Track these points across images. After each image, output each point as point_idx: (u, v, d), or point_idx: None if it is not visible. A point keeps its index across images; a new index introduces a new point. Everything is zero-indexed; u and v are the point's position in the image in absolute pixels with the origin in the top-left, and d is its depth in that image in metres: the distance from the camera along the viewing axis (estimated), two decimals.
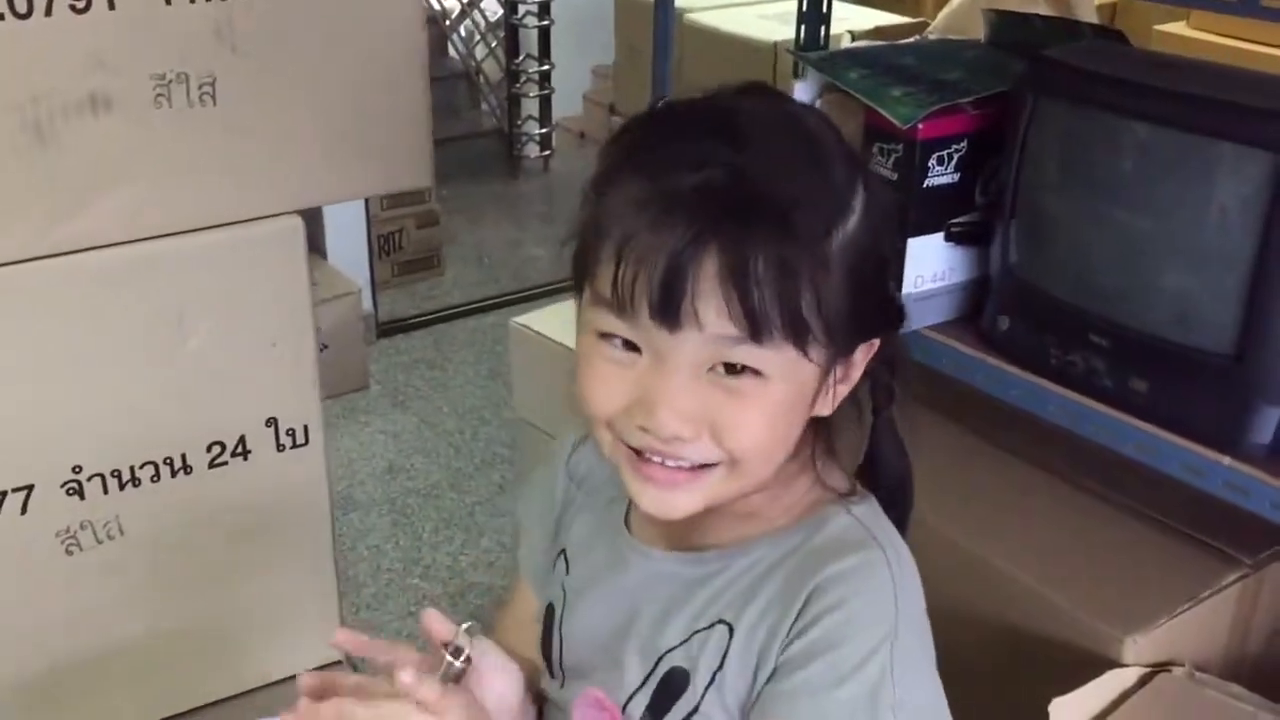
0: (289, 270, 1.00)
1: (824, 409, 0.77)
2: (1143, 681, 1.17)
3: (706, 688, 0.78)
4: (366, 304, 3.11)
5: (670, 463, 0.74)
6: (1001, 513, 1.33)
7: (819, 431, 0.80)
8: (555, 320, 2.09)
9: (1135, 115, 1.15)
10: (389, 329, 3.27)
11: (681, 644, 0.79)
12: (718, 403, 0.72)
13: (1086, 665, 1.17)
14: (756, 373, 0.71)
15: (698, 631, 0.79)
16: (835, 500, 0.80)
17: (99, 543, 1.06)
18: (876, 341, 0.78)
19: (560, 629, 0.88)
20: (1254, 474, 1.13)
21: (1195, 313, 1.15)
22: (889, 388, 0.81)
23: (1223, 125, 1.09)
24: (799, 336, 0.70)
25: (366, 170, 0.99)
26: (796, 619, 0.74)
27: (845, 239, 0.72)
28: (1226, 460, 1.15)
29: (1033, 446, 1.38)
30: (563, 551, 0.91)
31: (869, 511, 0.80)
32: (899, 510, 0.84)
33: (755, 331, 0.68)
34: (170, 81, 0.90)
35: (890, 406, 0.82)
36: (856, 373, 0.78)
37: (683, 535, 0.82)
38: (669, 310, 0.68)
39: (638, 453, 0.74)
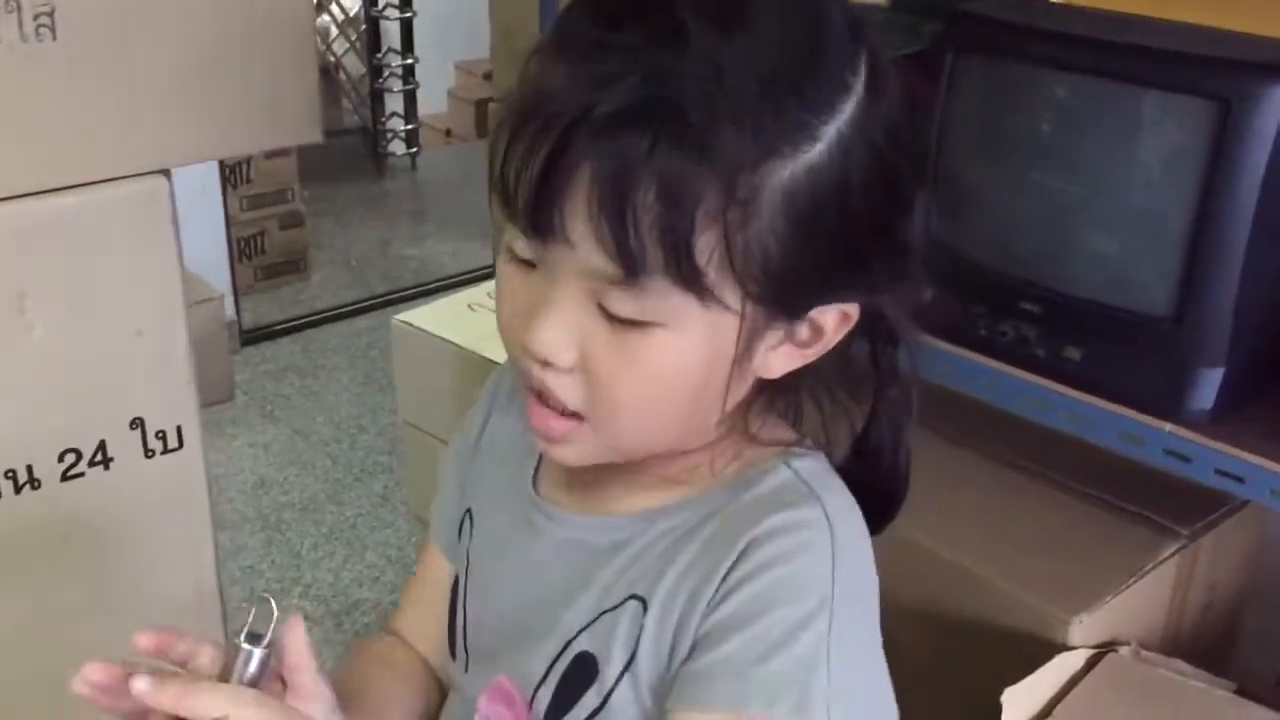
0: (154, 242, 0.85)
1: (766, 372, 0.65)
2: (1090, 663, 1.13)
3: (619, 678, 0.67)
4: (228, 311, 2.94)
5: (550, 402, 0.64)
6: (932, 496, 1.26)
7: (762, 389, 0.68)
8: (439, 316, 1.98)
9: (1064, 68, 1.10)
10: (254, 336, 3.10)
11: (587, 626, 0.69)
12: (599, 342, 0.61)
13: (1033, 649, 1.12)
14: (645, 324, 0.60)
15: (606, 611, 0.68)
16: (773, 454, 0.68)
17: None
18: (853, 312, 0.64)
19: (464, 603, 0.77)
20: (1196, 439, 1.08)
21: (1130, 274, 1.10)
22: (892, 364, 0.69)
23: (1160, 74, 1.04)
24: (690, 283, 0.58)
25: (244, 122, 0.85)
26: (720, 584, 0.64)
27: (797, 174, 0.58)
28: (1168, 427, 1.10)
29: (956, 425, 1.32)
30: (468, 512, 0.79)
31: (813, 466, 0.69)
32: (879, 513, 0.71)
33: (629, 268, 0.57)
34: None
35: (891, 387, 0.70)
36: (826, 340, 0.65)
37: (596, 498, 0.71)
38: (538, 219, 0.59)
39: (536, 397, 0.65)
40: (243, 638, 0.62)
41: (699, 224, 0.57)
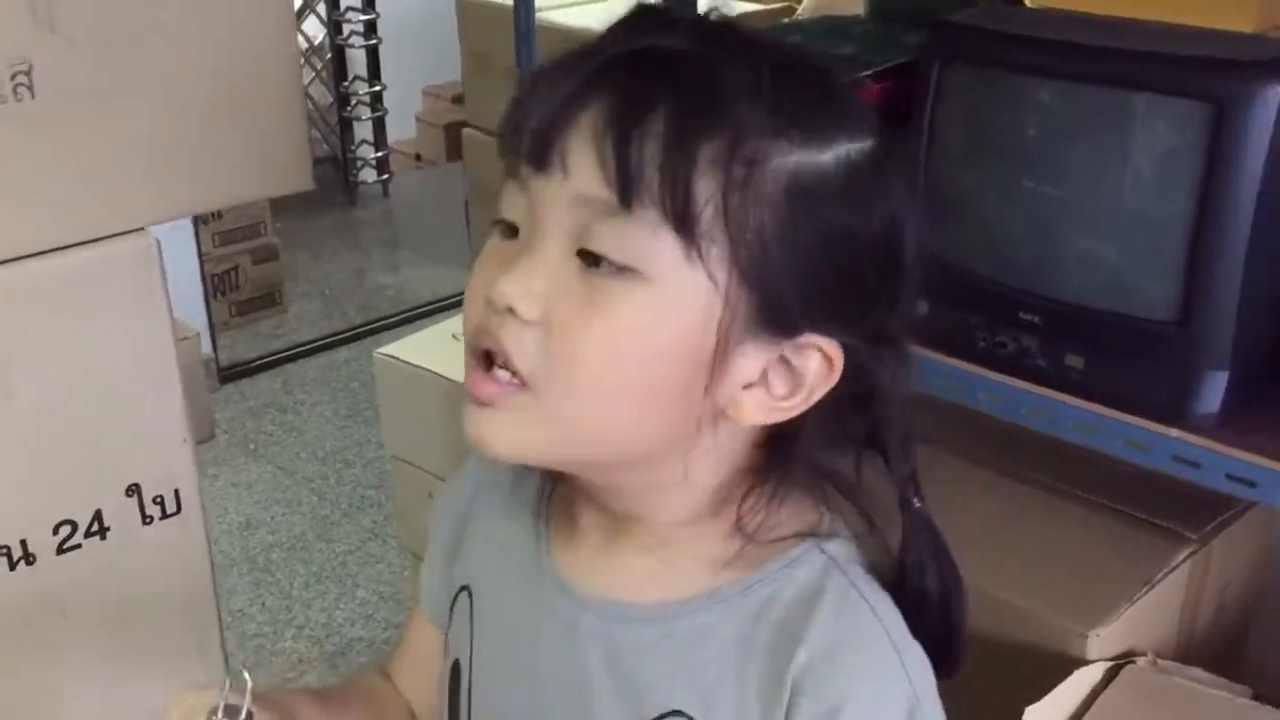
0: (143, 302, 0.82)
1: (735, 411, 0.60)
2: (1109, 677, 1.11)
3: None
4: (205, 348, 2.91)
5: (495, 364, 0.59)
6: (939, 512, 1.25)
7: (758, 478, 0.64)
8: (423, 348, 1.95)
9: (1053, 74, 1.08)
10: (232, 373, 3.07)
11: None
12: (570, 294, 0.58)
13: (1050, 664, 1.10)
14: (626, 270, 0.57)
15: None
16: (802, 538, 0.63)
17: None
18: (838, 358, 0.60)
19: (470, 697, 0.71)
20: (1204, 444, 1.07)
21: (1130, 280, 1.09)
22: (903, 465, 0.65)
23: (1151, 77, 1.03)
24: (682, 222, 0.56)
25: (233, 174, 0.82)
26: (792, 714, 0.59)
27: (804, 167, 0.58)
28: (1174, 433, 1.08)
29: (958, 438, 1.31)
30: (465, 590, 0.73)
31: (843, 551, 0.64)
32: (945, 650, 0.66)
33: (624, 188, 0.55)
34: None
35: (916, 497, 0.66)
36: (805, 392, 0.60)
37: (612, 575, 0.65)
38: (539, 145, 0.58)
39: (480, 362, 0.60)
40: (220, 713, 0.62)
41: (700, 164, 0.56)
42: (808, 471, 0.65)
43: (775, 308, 0.59)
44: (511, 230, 0.61)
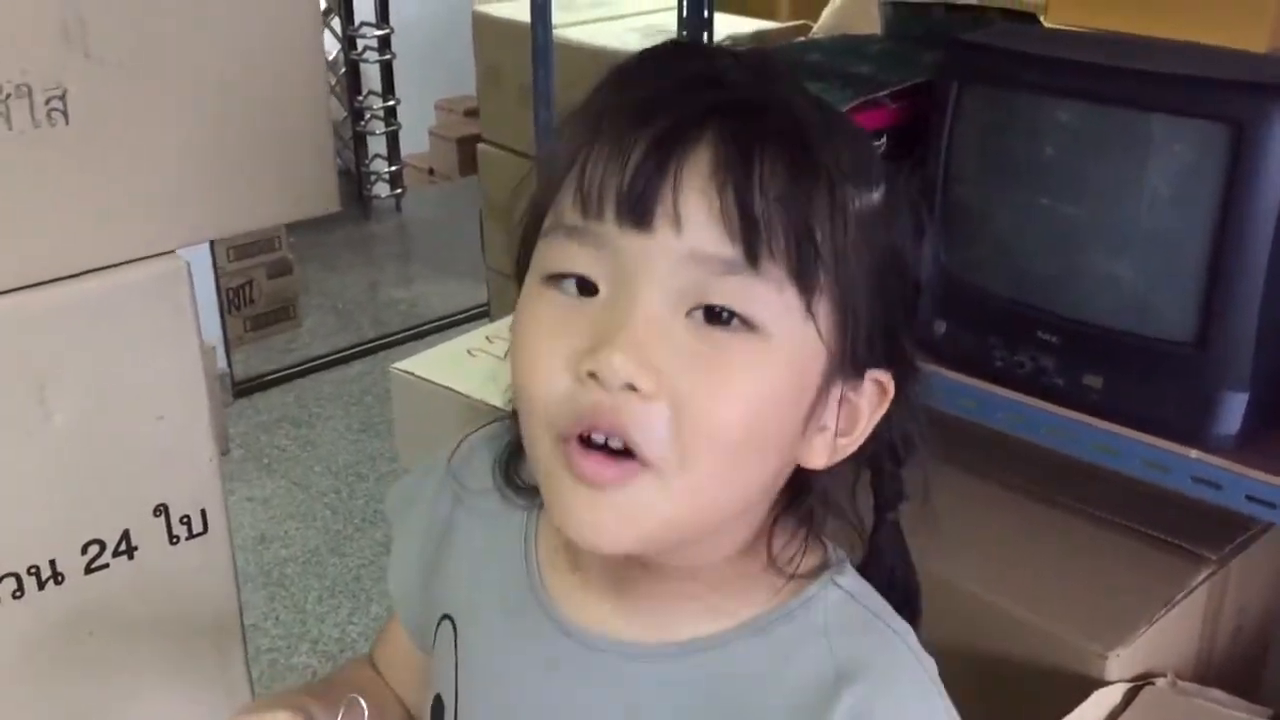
0: (173, 323, 0.83)
1: (808, 457, 0.60)
2: (1128, 698, 1.11)
3: None
4: (220, 362, 2.92)
5: (612, 442, 0.53)
6: (959, 532, 1.25)
7: (779, 513, 0.63)
8: (439, 364, 1.95)
9: (1072, 95, 1.08)
10: (246, 388, 3.07)
11: None
12: (693, 359, 0.53)
13: (1069, 685, 1.10)
14: (749, 326, 0.54)
15: None
16: (811, 575, 0.62)
17: None
18: (891, 387, 0.61)
19: None
20: (1224, 465, 1.07)
21: (1149, 300, 1.09)
22: (897, 481, 0.65)
23: (1170, 98, 1.03)
24: (805, 271, 0.54)
25: (261, 197, 0.83)
26: None
27: (867, 203, 0.58)
28: (1194, 453, 1.08)
29: (977, 458, 1.31)
30: (448, 618, 0.69)
31: (856, 583, 0.64)
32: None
33: (751, 245, 0.52)
34: (9, 96, 0.72)
35: (898, 507, 0.66)
36: (861, 427, 0.61)
37: (628, 618, 0.62)
38: (641, 202, 0.53)
39: (579, 441, 0.54)
40: None
41: (815, 210, 0.55)
42: (824, 501, 0.64)
43: (857, 353, 0.59)
44: (584, 286, 0.56)
